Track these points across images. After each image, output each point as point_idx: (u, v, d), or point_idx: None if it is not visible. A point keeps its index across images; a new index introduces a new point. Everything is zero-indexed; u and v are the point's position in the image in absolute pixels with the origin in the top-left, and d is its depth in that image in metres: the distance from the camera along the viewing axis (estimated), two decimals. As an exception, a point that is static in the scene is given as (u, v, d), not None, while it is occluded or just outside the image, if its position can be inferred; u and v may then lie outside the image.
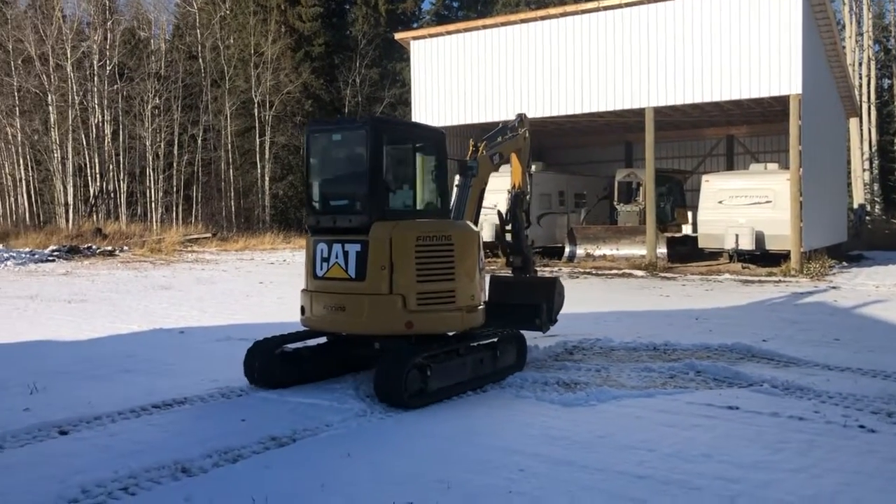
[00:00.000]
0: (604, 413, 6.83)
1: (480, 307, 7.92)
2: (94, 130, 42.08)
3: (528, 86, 24.23)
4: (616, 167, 29.57)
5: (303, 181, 8.22)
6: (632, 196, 26.60)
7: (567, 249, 25.05)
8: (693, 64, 21.81)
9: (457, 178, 9.00)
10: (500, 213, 10.23)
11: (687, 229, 25.96)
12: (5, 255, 27.71)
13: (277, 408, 7.02)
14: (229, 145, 44.89)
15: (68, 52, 41.26)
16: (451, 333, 7.83)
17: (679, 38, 21.98)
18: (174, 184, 44.27)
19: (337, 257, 7.39)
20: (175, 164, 43.86)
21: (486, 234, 24.76)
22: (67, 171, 41.32)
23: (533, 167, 26.70)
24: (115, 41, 43.21)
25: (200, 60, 45.09)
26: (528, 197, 10.30)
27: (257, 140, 45.24)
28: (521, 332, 8.65)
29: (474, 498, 4.82)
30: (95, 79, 41.95)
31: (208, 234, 35.68)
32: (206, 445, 5.75)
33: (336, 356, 8.17)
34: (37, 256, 28.37)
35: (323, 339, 8.13)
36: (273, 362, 7.66)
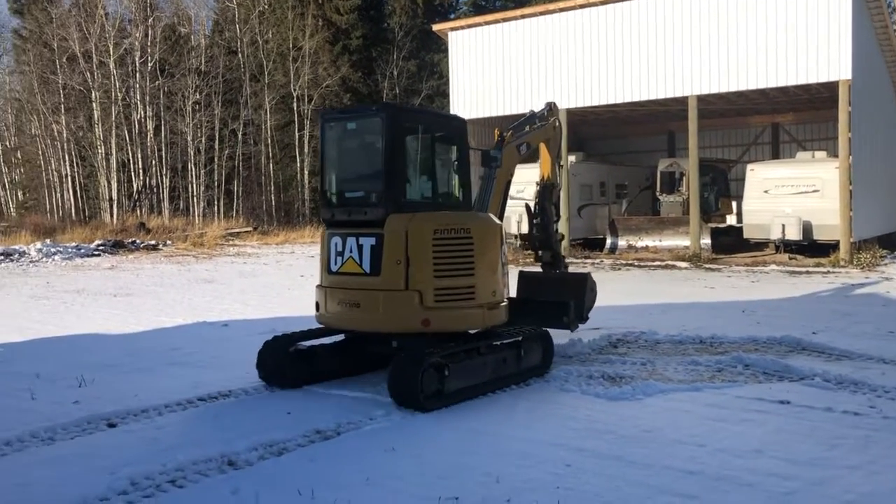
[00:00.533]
0: (650, 407, 6.71)
1: (503, 304, 7.63)
2: (136, 126, 42.76)
3: (569, 75, 23.96)
4: (658, 157, 29.14)
5: (318, 173, 8.01)
6: (675, 186, 26.21)
7: (608, 241, 24.78)
8: (738, 50, 21.33)
9: (481, 169, 8.72)
10: (527, 207, 10.00)
11: (731, 220, 25.51)
12: (52, 249, 28.31)
13: (322, 401, 7.04)
14: (269, 139, 45.28)
15: (111, 49, 41.98)
16: (472, 331, 7.52)
17: (723, 23, 21.51)
18: (215, 178, 44.79)
19: (351, 251, 7.15)
20: (216, 159, 44.35)
21: (525, 226, 24.68)
22: (111, 167, 42.09)
23: (573, 157, 26.51)
24: (156, 38, 43.81)
25: (240, 55, 45.49)
26: (558, 189, 9.97)
27: (296, 134, 45.56)
28: (548, 330, 8.25)
29: (520, 492, 4.76)
30: (137, 75, 42.62)
31: (249, 228, 36.05)
32: (251, 438, 5.76)
33: (353, 354, 7.90)
34: (83, 251, 28.94)
35: (340, 337, 7.87)
36: (285, 361, 7.43)
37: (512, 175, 8.90)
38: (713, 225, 24.23)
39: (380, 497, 4.71)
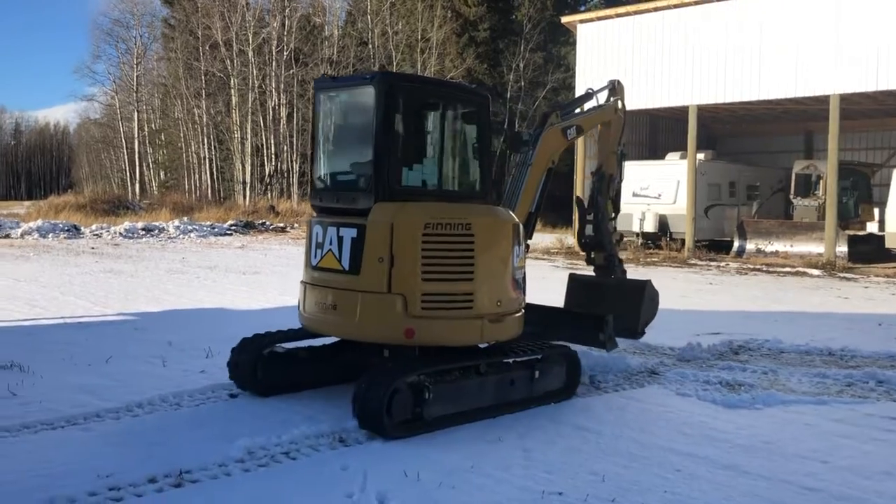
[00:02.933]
0: (770, 418, 6.42)
1: (514, 315, 6.36)
2: (270, 113, 44.58)
3: (701, 70, 23.12)
4: (794, 158, 27.74)
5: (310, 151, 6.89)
6: (810, 189, 24.85)
7: (736, 244, 23.80)
8: (888, 45, 19.96)
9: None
10: (579, 201, 9.04)
11: (872, 227, 23.96)
12: (189, 227, 29.99)
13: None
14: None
15: (250, 38, 43.89)
16: (482, 346, 6.41)
17: (868, 15, 20.17)
18: (342, 165, 46.05)
19: (331, 243, 6.06)
20: (343, 146, 45.57)
21: (649, 224, 24.12)
22: (246, 151, 44.09)
23: (702, 155, 25.63)
24: (292, 27, 45.47)
25: (370, 46, 46.54)
26: (616, 182, 8.80)
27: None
28: (572, 348, 7.07)
29: (626, 493, 4.67)
30: (273, 63, 44.38)
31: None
32: (362, 418, 5.88)
33: (340, 361, 6.80)
34: (216, 230, 30.50)
35: (331, 339, 6.78)
36: (258, 364, 6.52)
37: (555, 163, 7.68)
38: (851, 232, 22.82)
39: (484, 485, 4.73)
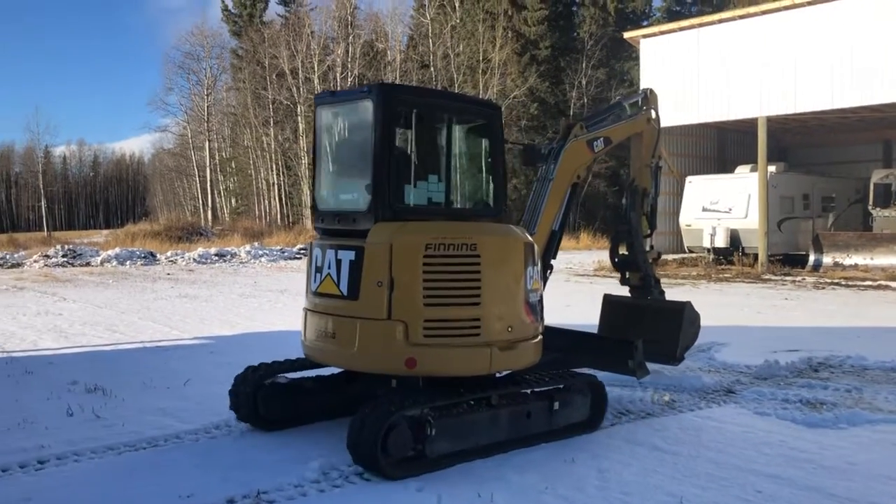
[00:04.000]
0: (856, 438, 6.17)
1: (530, 342, 5.89)
2: (336, 138, 45.39)
3: (770, 81, 22.60)
4: (871, 167, 26.80)
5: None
6: (891, 200, 23.94)
7: (812, 258, 23.06)
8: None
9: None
10: (610, 217, 8.73)
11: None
12: (259, 252, 30.67)
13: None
14: (457, 150, 46.35)
15: (315, 65, 44.90)
16: (497, 375, 5.98)
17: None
18: (406, 187, 46.50)
19: (329, 267, 5.70)
20: (407, 169, 46.04)
21: (720, 239, 23.60)
22: (313, 176, 44.91)
23: (773, 168, 25.00)
24: (355, 54, 46.33)
25: (432, 69, 47.04)
26: (651, 196, 8.35)
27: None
28: (596, 377, 6.60)
29: (706, 517, 4.55)
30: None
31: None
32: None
33: (350, 392, 6.37)
34: (286, 254, 31.11)
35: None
36: (258, 395, 6.21)
37: (581, 178, 7.27)
38: (936, 242, 21.88)
39: (559, 507, 4.67)
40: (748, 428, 6.46)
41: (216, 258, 29.16)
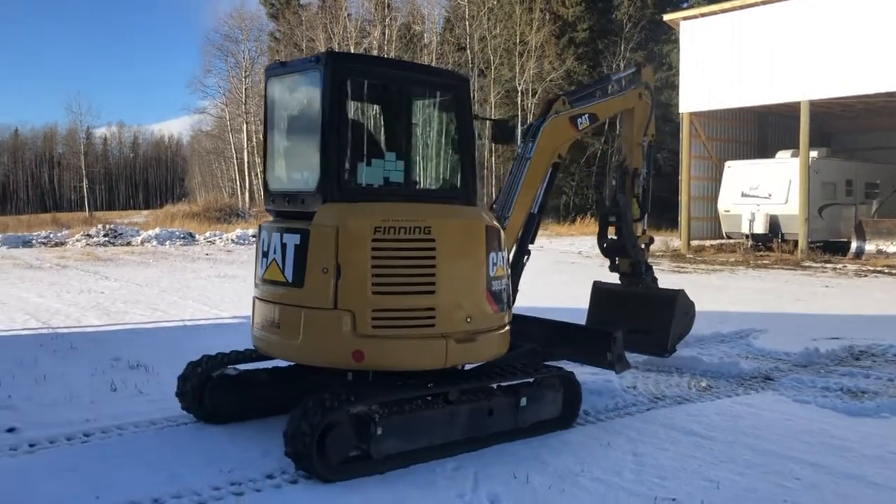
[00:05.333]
0: (898, 427, 6.08)
1: (493, 333, 5.42)
2: (372, 121, 45.47)
3: (814, 64, 22.07)
4: (917, 153, 26.16)
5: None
6: (937, 187, 23.39)
7: (854, 245, 22.61)
8: None
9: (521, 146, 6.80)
10: (600, 201, 8.31)
11: None
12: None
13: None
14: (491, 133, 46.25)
15: (352, 48, 44.94)
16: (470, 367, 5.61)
17: None
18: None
19: (275, 252, 5.27)
20: (443, 152, 46.02)
21: (759, 225, 23.24)
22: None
23: (815, 153, 24.45)
24: (392, 36, 46.27)
25: (468, 51, 46.81)
26: (642, 177, 7.89)
27: (519, 128, 46.10)
28: (569, 371, 6.06)
29: (743, 501, 4.56)
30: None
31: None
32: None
33: (304, 385, 5.77)
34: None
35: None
36: (206, 388, 5.81)
37: (562, 157, 6.83)
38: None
39: (595, 490, 4.68)
40: (787, 415, 6.39)
41: (254, 239, 29.43)
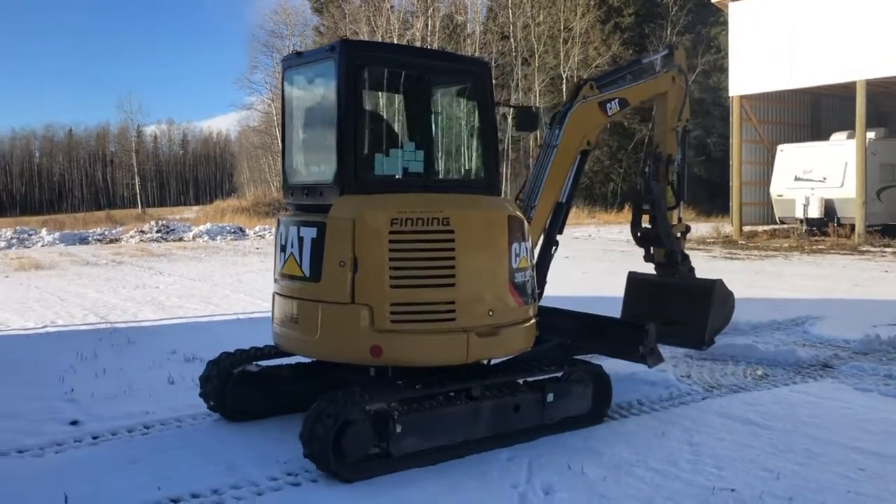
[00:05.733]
0: (966, 415, 5.89)
1: (518, 327, 5.27)
2: (416, 112, 45.51)
3: (869, 42, 21.40)
4: (981, 132, 25.21)
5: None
6: None
7: (914, 228, 21.98)
8: None
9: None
10: (636, 190, 7.89)
11: None
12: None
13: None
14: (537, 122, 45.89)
15: (395, 40, 44.98)
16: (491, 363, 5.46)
17: None
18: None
19: (293, 246, 5.18)
20: (487, 142, 45.86)
21: (814, 209, 22.68)
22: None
23: (872, 134, 23.76)
24: (435, 27, 46.20)
25: (512, 40, 46.52)
26: (676, 163, 7.64)
27: (565, 115, 45.67)
28: (599, 366, 5.96)
29: (803, 491, 4.45)
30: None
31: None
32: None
33: (328, 381, 5.45)
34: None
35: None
36: (226, 385, 5.74)
37: (591, 144, 6.64)
38: None
39: (651, 480, 4.63)
40: (847, 404, 6.24)
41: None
